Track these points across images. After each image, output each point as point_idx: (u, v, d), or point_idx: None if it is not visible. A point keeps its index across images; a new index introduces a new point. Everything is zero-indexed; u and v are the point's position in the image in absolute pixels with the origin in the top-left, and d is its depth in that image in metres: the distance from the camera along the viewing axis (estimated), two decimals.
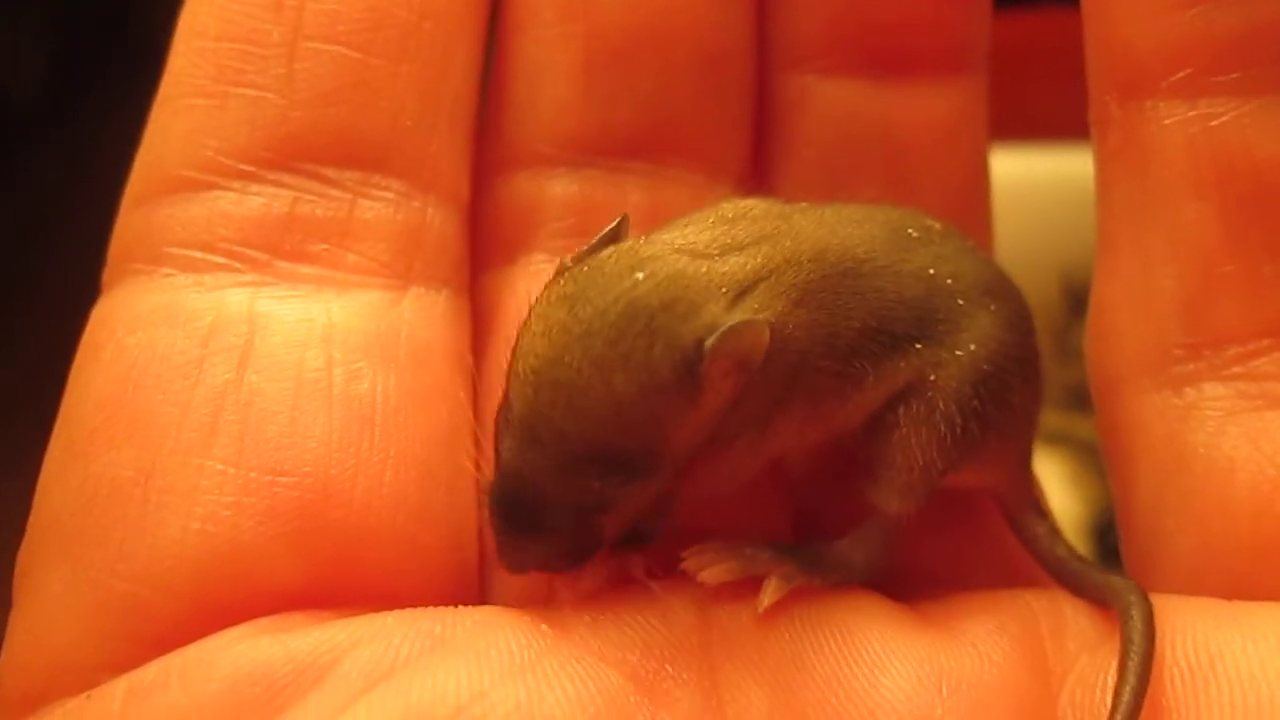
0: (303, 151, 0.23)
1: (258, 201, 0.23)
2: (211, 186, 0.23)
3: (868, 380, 0.22)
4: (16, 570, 0.22)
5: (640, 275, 0.20)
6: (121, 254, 0.23)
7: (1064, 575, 0.23)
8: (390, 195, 0.24)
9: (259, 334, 0.22)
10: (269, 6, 0.23)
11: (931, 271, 0.23)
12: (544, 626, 0.20)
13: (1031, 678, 0.21)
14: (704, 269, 0.20)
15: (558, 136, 0.25)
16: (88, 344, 0.23)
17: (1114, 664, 0.20)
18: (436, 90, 0.24)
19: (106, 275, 0.24)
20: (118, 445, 0.21)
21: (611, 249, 0.21)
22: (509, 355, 0.21)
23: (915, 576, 0.23)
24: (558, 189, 0.25)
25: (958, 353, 0.22)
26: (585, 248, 0.21)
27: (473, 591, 0.23)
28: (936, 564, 0.25)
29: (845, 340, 0.21)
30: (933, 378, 0.22)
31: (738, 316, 0.20)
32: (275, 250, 0.23)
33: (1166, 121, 0.22)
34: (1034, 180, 0.51)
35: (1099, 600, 0.22)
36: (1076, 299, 0.51)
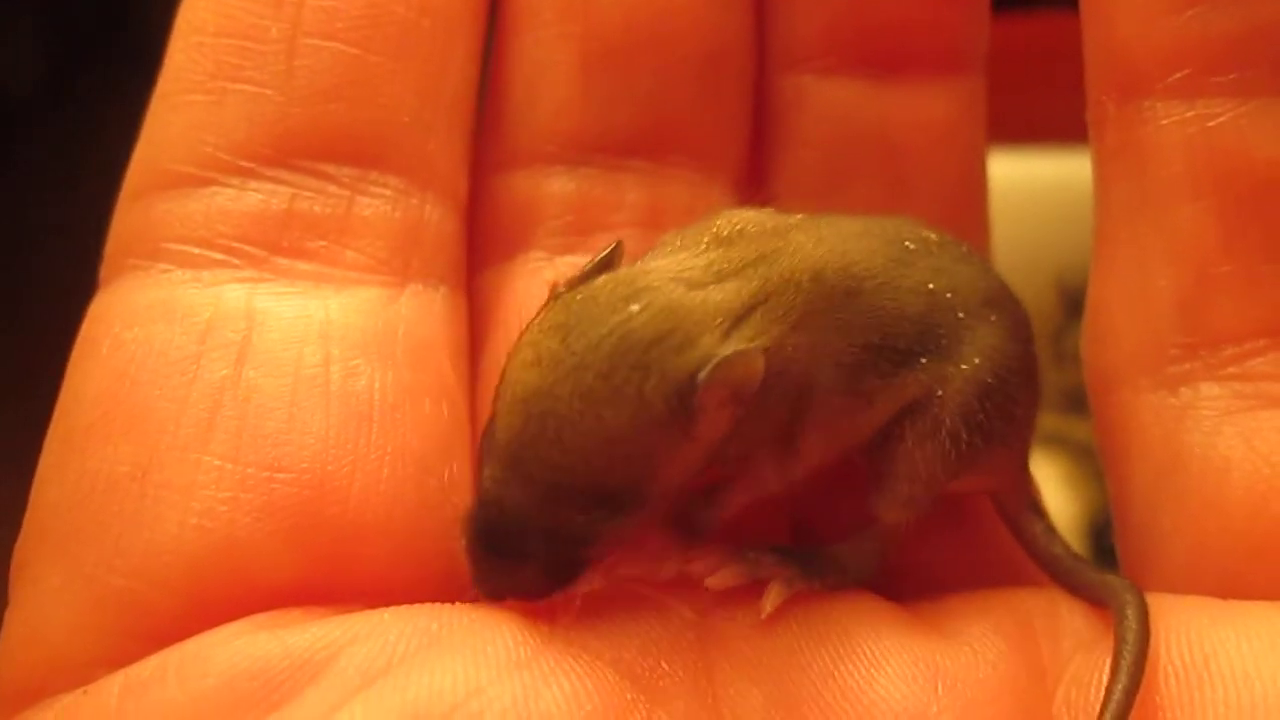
0: (301, 148, 0.23)
1: (256, 198, 0.23)
2: (210, 182, 0.23)
3: (878, 398, 0.22)
4: (13, 565, 0.22)
5: (635, 308, 0.20)
6: (119, 249, 0.23)
7: (1060, 574, 0.24)
8: (388, 192, 0.24)
9: (257, 330, 0.22)
10: (268, 3, 0.23)
11: (931, 286, 0.23)
12: (540, 624, 0.20)
13: (1027, 677, 0.21)
14: (699, 299, 0.20)
15: (556, 135, 0.25)
16: (85, 339, 0.23)
17: (1109, 662, 0.20)
18: (435, 88, 0.24)
19: (104, 270, 0.23)
20: (115, 440, 0.21)
21: (607, 277, 0.21)
22: (498, 378, 0.21)
23: (911, 576, 0.24)
24: (556, 187, 0.25)
25: (962, 367, 0.22)
26: (579, 273, 0.21)
27: (469, 588, 0.23)
28: (932, 563, 0.25)
29: (850, 359, 0.21)
30: (940, 393, 0.22)
31: (733, 346, 0.20)
32: (273, 247, 0.23)
33: (1164, 122, 0.23)
34: (1030, 183, 0.51)
35: (1094, 599, 0.22)
36: (1072, 302, 0.52)
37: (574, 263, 0.25)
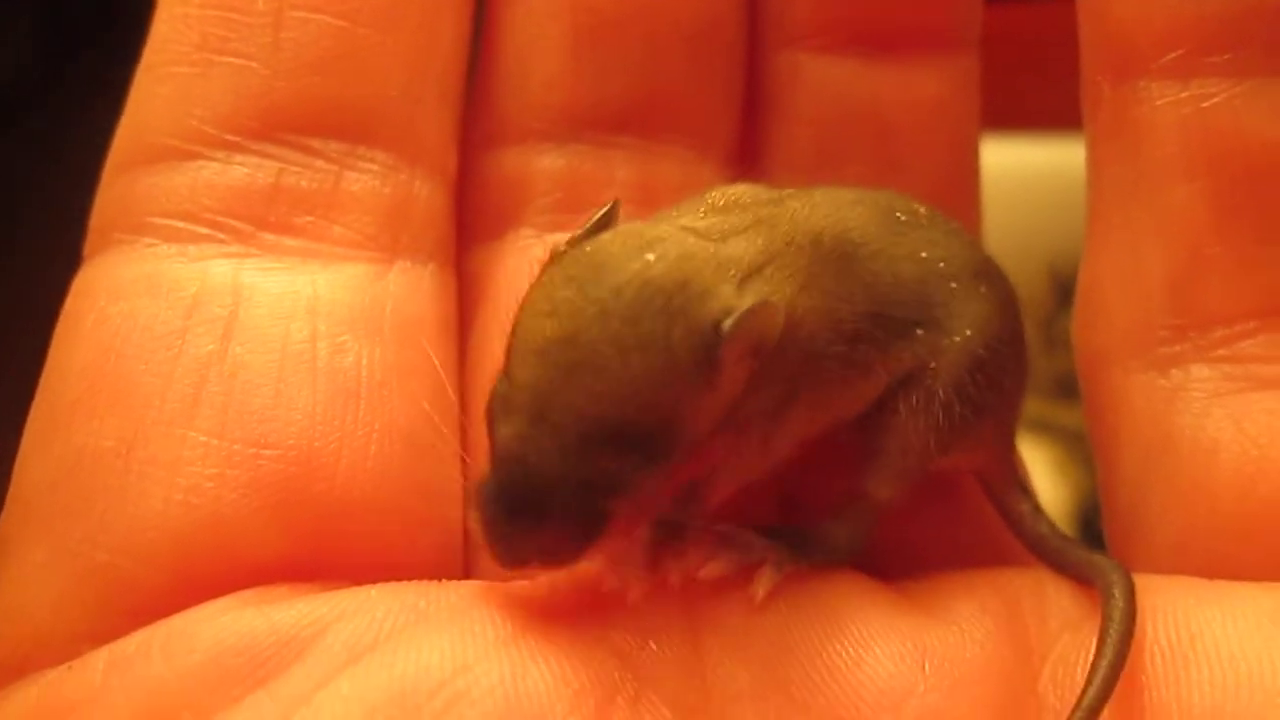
0: (288, 122, 0.23)
1: (242, 172, 0.23)
2: (195, 156, 0.23)
3: (874, 368, 0.22)
4: None
5: (651, 256, 0.19)
6: (104, 223, 0.23)
7: (1046, 553, 0.24)
8: (376, 167, 0.23)
9: (243, 305, 0.22)
10: None
11: (924, 255, 0.22)
12: (528, 602, 0.20)
13: (1013, 656, 0.21)
14: (711, 250, 0.20)
15: (546, 110, 0.25)
16: (69, 313, 0.23)
17: (1095, 641, 0.21)
18: (424, 61, 0.24)
19: (88, 244, 0.23)
20: (99, 415, 0.21)
21: (613, 232, 0.21)
22: (505, 339, 0.20)
23: (898, 555, 0.24)
24: (546, 164, 0.25)
25: (955, 338, 0.22)
26: (579, 232, 0.21)
27: (456, 566, 0.23)
28: (919, 542, 0.25)
29: (849, 326, 0.21)
30: (933, 365, 0.22)
31: (750, 299, 0.20)
32: (260, 222, 0.23)
33: (1159, 102, 0.22)
34: (1023, 170, 0.51)
35: (1081, 578, 0.22)
36: (1063, 289, 0.52)
37: (564, 240, 0.24)
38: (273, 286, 0.22)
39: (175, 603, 0.20)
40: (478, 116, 0.25)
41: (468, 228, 0.25)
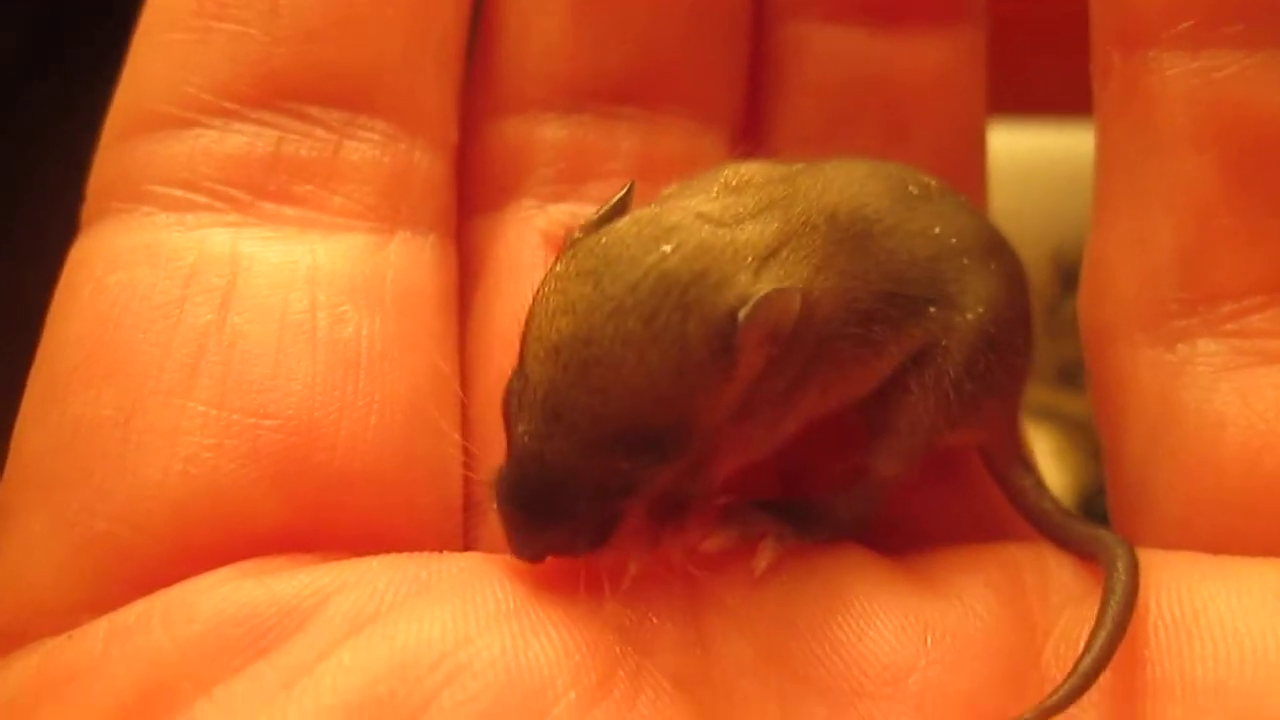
0: (287, 89, 0.23)
1: (240, 140, 0.22)
2: (193, 124, 0.23)
3: (888, 347, 0.22)
4: None
5: (667, 247, 0.19)
6: (101, 191, 0.23)
7: (1049, 528, 0.23)
8: (376, 137, 0.23)
9: (242, 275, 0.22)
10: None
11: (937, 230, 0.22)
12: (530, 574, 0.20)
13: (1016, 631, 0.21)
14: (728, 237, 0.20)
15: (548, 79, 0.25)
16: (67, 283, 0.22)
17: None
18: (423, 29, 0.23)
19: (85, 213, 0.23)
20: (98, 384, 0.21)
21: (628, 219, 0.20)
22: (506, 309, 0.20)
23: (901, 530, 0.23)
24: (548, 134, 0.25)
25: (968, 316, 0.22)
26: (594, 218, 0.21)
27: (457, 537, 0.23)
28: (922, 517, 0.25)
29: (865, 305, 0.21)
30: (945, 343, 0.22)
31: (766, 285, 0.19)
32: (259, 191, 0.22)
33: (1168, 73, 0.22)
34: (1029, 156, 0.51)
35: (1084, 553, 0.22)
36: (1068, 275, 0.51)
37: (566, 211, 0.24)
38: (272, 256, 0.22)
39: (175, 573, 0.20)
40: (479, 86, 0.25)
41: (469, 198, 0.25)
